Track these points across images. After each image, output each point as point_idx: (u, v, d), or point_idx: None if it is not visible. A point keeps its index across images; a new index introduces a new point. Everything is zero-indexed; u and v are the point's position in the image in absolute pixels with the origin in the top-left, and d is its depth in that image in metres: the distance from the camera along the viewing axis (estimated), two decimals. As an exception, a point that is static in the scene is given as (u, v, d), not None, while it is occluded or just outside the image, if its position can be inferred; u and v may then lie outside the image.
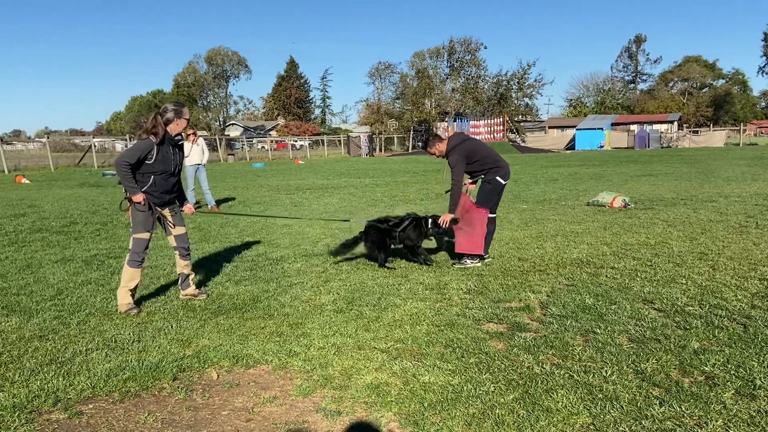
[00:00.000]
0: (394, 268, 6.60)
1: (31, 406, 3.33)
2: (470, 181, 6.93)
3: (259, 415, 3.27)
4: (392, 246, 6.85)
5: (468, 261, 6.64)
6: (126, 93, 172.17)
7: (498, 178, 6.69)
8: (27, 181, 22.52)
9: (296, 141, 60.15)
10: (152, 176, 5.11)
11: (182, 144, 5.43)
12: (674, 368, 3.69)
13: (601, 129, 56.53)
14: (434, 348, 4.12)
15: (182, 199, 5.60)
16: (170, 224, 5.39)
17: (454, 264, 6.72)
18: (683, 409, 3.17)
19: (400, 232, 6.74)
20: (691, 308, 4.84)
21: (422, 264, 6.73)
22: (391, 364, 3.85)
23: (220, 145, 48.23)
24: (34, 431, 3.08)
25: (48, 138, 43.65)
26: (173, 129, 5.16)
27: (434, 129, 56.96)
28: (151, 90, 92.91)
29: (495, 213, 6.90)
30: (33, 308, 5.32)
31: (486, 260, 6.80)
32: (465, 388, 3.47)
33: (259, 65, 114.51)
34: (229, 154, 46.38)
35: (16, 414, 3.23)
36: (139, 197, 5.05)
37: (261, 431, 3.10)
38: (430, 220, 6.77)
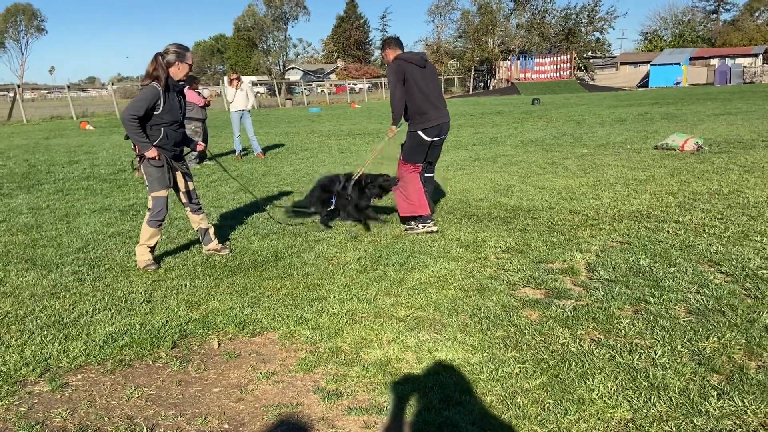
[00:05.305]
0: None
1: (17, 376, 3.13)
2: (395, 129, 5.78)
3: (252, 394, 2.95)
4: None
5: (414, 224, 5.71)
6: (190, 38, 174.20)
7: (420, 132, 5.58)
8: (91, 128, 23.01)
9: (355, 84, 59.28)
10: (162, 128, 4.74)
11: (185, 91, 5.04)
12: (739, 348, 3.12)
13: (678, 64, 52.88)
14: (457, 318, 3.67)
15: (188, 142, 5.24)
16: (187, 179, 5.08)
17: (406, 230, 5.76)
18: (746, 403, 2.63)
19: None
20: (764, 272, 4.18)
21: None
22: (406, 336, 3.44)
23: (280, 90, 48.10)
24: (11, 405, 2.87)
25: (113, 85, 44.65)
26: (174, 73, 4.73)
27: (496, 68, 54.77)
28: (212, 35, 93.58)
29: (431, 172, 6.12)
30: (55, 262, 5.19)
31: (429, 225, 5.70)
32: (485, 368, 3.03)
33: (317, 6, 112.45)
34: (287, 99, 46.26)
35: (-1, 385, 3.04)
36: (152, 152, 4.71)
37: (249, 414, 2.78)
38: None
